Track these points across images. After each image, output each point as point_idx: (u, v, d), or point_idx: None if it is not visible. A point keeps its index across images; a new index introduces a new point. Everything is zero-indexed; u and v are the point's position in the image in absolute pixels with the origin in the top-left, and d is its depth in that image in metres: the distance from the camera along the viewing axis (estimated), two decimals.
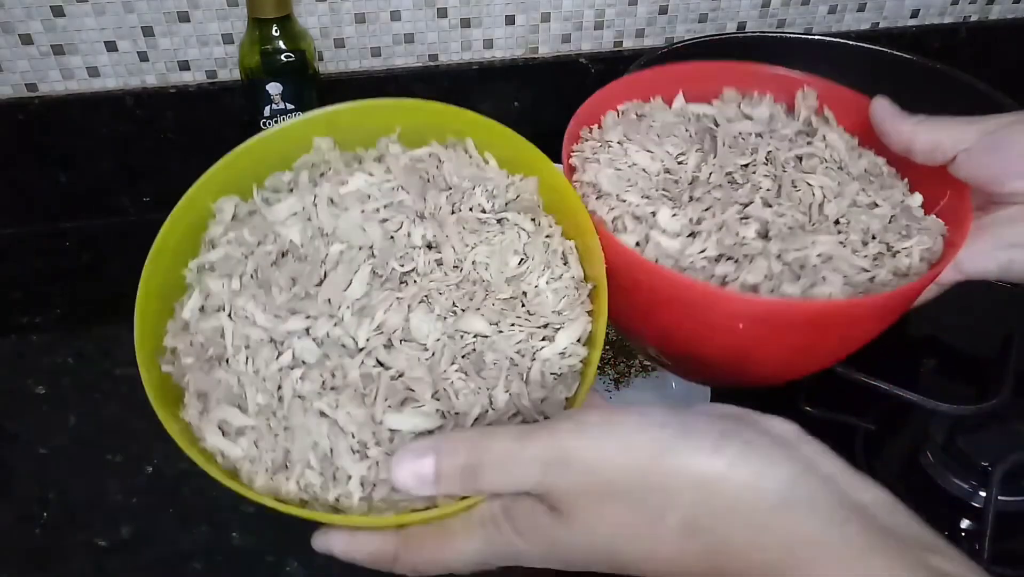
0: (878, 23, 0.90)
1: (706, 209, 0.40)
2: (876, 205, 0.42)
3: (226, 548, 0.52)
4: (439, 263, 0.37)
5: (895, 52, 0.78)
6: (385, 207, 0.38)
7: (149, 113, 0.77)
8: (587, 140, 0.46)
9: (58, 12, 0.72)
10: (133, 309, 0.37)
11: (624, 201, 0.41)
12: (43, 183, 0.78)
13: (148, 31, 0.74)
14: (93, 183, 0.79)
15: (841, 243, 0.39)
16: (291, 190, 0.40)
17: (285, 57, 0.69)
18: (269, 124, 0.72)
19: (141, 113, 0.77)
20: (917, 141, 0.40)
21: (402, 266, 0.36)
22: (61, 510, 0.54)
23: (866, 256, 0.39)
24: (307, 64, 0.70)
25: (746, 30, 0.87)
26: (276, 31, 0.68)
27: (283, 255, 0.37)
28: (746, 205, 0.41)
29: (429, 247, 0.38)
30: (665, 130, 0.45)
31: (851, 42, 0.80)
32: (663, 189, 0.42)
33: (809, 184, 0.42)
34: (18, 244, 0.78)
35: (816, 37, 0.81)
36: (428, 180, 0.40)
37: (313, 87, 0.72)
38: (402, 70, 0.81)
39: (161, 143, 0.78)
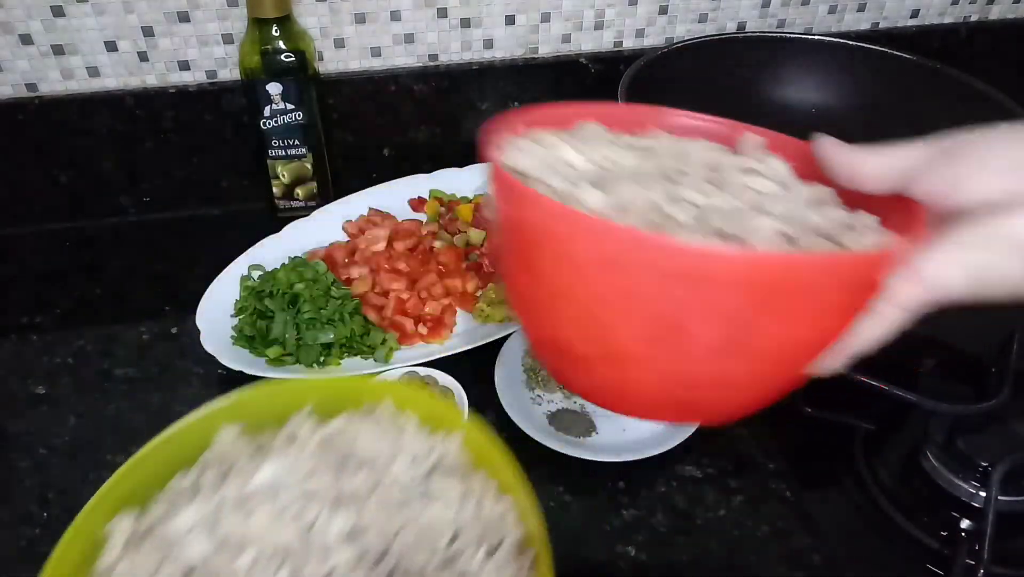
0: (878, 23, 0.90)
1: (635, 193, 0.35)
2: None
3: None
4: (362, 557, 0.33)
5: (895, 52, 0.78)
6: (298, 498, 0.35)
7: (149, 113, 0.77)
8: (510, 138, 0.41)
9: (58, 12, 0.72)
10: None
11: (547, 185, 0.36)
12: (43, 183, 0.78)
13: (148, 31, 0.74)
14: (93, 183, 0.79)
15: (784, 234, 0.34)
16: (195, 494, 0.37)
17: (285, 57, 0.69)
18: (269, 124, 0.72)
19: (141, 113, 0.77)
20: (866, 165, 0.38)
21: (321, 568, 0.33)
22: (61, 510, 0.54)
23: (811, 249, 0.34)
24: (307, 64, 0.70)
25: (746, 30, 0.87)
26: (276, 31, 0.69)
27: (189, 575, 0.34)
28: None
29: (351, 535, 0.34)
30: (599, 138, 0.42)
31: (851, 42, 0.80)
32: (592, 181, 0.37)
33: (752, 188, 0.38)
34: (18, 244, 0.78)
35: (816, 37, 0.81)
36: (344, 458, 0.37)
37: (313, 87, 0.72)
38: (402, 70, 0.81)
39: (161, 143, 0.78)
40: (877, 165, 0.37)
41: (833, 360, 0.36)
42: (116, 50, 0.75)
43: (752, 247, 0.32)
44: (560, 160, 0.38)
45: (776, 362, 0.36)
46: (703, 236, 0.32)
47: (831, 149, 0.39)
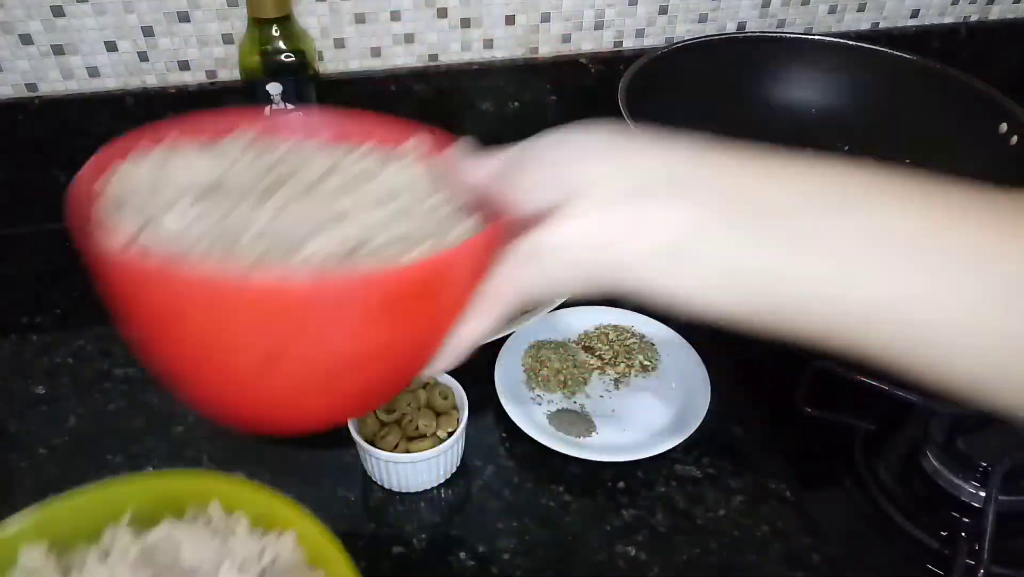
0: (878, 23, 0.90)
1: (207, 214, 0.34)
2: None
3: None
4: None
5: (895, 52, 0.78)
6: None
7: (149, 113, 0.77)
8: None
9: (58, 12, 0.72)
10: None
11: (129, 210, 0.35)
12: (43, 183, 0.78)
13: (148, 31, 0.74)
14: None
15: (352, 246, 0.34)
16: None
17: (285, 57, 0.69)
18: None
19: (141, 113, 0.77)
20: (472, 171, 0.37)
21: None
22: None
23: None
24: (307, 64, 0.70)
25: (746, 30, 0.87)
26: (276, 31, 0.68)
27: None
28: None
29: None
30: (207, 153, 0.40)
31: (851, 42, 0.80)
32: (170, 203, 0.35)
33: (361, 194, 0.37)
34: (18, 244, 0.78)
35: (816, 37, 0.81)
36: (165, 569, 0.35)
37: (313, 87, 0.72)
38: (402, 70, 0.81)
39: None
40: (477, 172, 0.37)
41: (442, 361, 0.37)
42: (116, 50, 0.75)
43: (283, 271, 0.31)
44: (162, 180, 0.37)
45: (355, 369, 0.35)
46: (254, 258, 0.32)
47: (457, 154, 0.39)
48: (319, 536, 0.37)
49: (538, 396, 0.61)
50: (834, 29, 0.89)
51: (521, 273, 0.33)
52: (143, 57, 0.75)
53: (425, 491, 0.55)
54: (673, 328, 0.65)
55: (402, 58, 0.81)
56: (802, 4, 0.86)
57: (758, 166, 0.32)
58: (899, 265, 0.29)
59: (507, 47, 0.82)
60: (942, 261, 0.28)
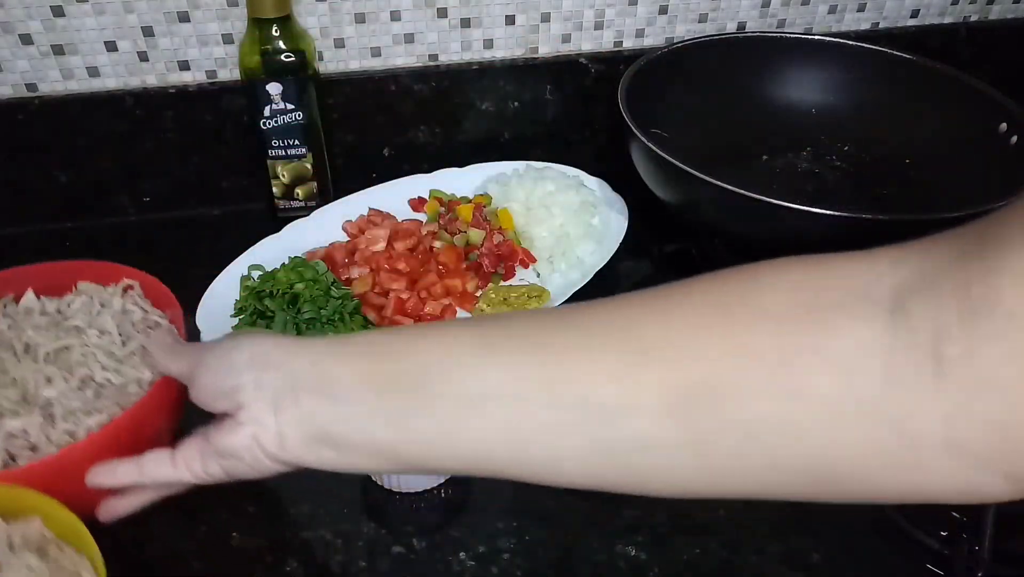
0: (878, 23, 0.90)
1: None
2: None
3: (226, 548, 0.52)
4: None
5: (895, 52, 0.78)
6: None
7: (149, 113, 0.77)
8: None
9: (58, 12, 0.72)
10: None
11: None
12: (43, 183, 0.78)
13: (148, 31, 0.74)
14: (93, 183, 0.79)
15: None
16: None
17: (285, 57, 0.69)
18: (269, 124, 0.72)
19: (141, 113, 0.77)
20: (165, 365, 0.44)
21: None
22: None
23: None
24: (307, 64, 0.70)
25: (746, 30, 0.87)
26: (276, 31, 0.69)
27: None
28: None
29: None
30: None
31: (851, 42, 0.80)
32: None
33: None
34: (18, 244, 0.78)
35: (816, 37, 0.81)
36: None
37: (313, 87, 0.72)
38: (402, 70, 0.81)
39: (161, 143, 0.78)
40: (172, 364, 0.43)
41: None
42: (116, 50, 0.75)
43: None
44: None
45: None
46: None
47: (152, 344, 0.46)
48: (64, 516, 0.41)
49: None
50: (834, 29, 0.89)
51: (210, 466, 0.39)
52: (143, 57, 0.75)
53: (425, 491, 0.55)
54: None
55: (402, 58, 0.81)
56: (802, 4, 0.86)
57: (379, 348, 0.37)
58: (499, 416, 0.33)
59: (507, 47, 0.82)
60: (537, 403, 0.33)
